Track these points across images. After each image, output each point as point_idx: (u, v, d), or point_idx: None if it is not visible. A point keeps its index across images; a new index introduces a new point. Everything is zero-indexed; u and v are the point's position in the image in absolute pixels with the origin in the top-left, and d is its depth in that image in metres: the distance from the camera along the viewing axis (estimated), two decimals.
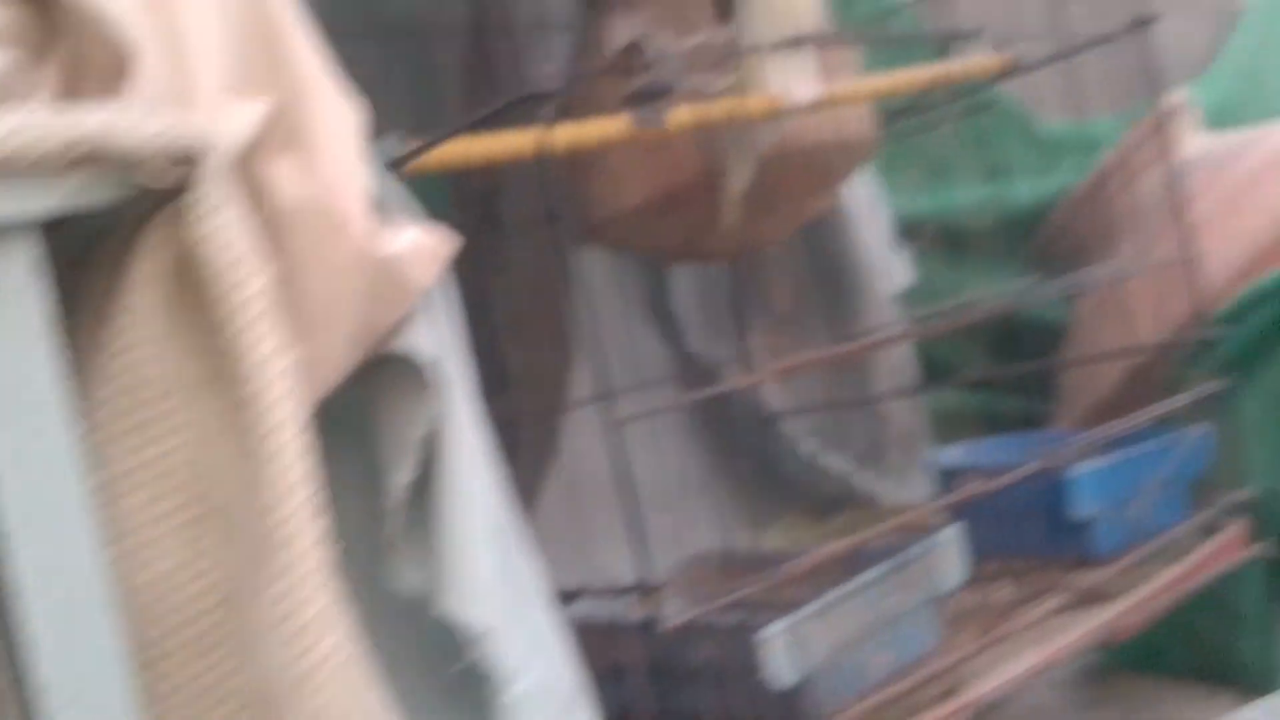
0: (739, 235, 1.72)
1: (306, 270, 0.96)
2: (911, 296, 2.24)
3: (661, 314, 2.26)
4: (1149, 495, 1.55)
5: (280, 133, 0.94)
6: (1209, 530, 1.69)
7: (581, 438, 1.83)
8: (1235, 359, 1.74)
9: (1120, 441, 1.59)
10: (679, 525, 2.04)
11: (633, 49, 1.09)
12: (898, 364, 2.27)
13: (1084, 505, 1.51)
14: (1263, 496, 1.69)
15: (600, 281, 2.14)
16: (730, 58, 1.29)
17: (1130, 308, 1.87)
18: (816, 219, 2.08)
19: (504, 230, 1.75)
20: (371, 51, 1.61)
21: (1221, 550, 1.68)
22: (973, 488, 1.45)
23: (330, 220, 0.95)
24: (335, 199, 0.95)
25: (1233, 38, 2.90)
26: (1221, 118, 2.61)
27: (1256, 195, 2.14)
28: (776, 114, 1.49)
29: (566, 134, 1.19)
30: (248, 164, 0.89)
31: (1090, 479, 1.51)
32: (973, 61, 1.68)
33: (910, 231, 2.28)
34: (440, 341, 1.05)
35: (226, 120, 0.87)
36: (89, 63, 0.83)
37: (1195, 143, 2.35)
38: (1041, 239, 2.37)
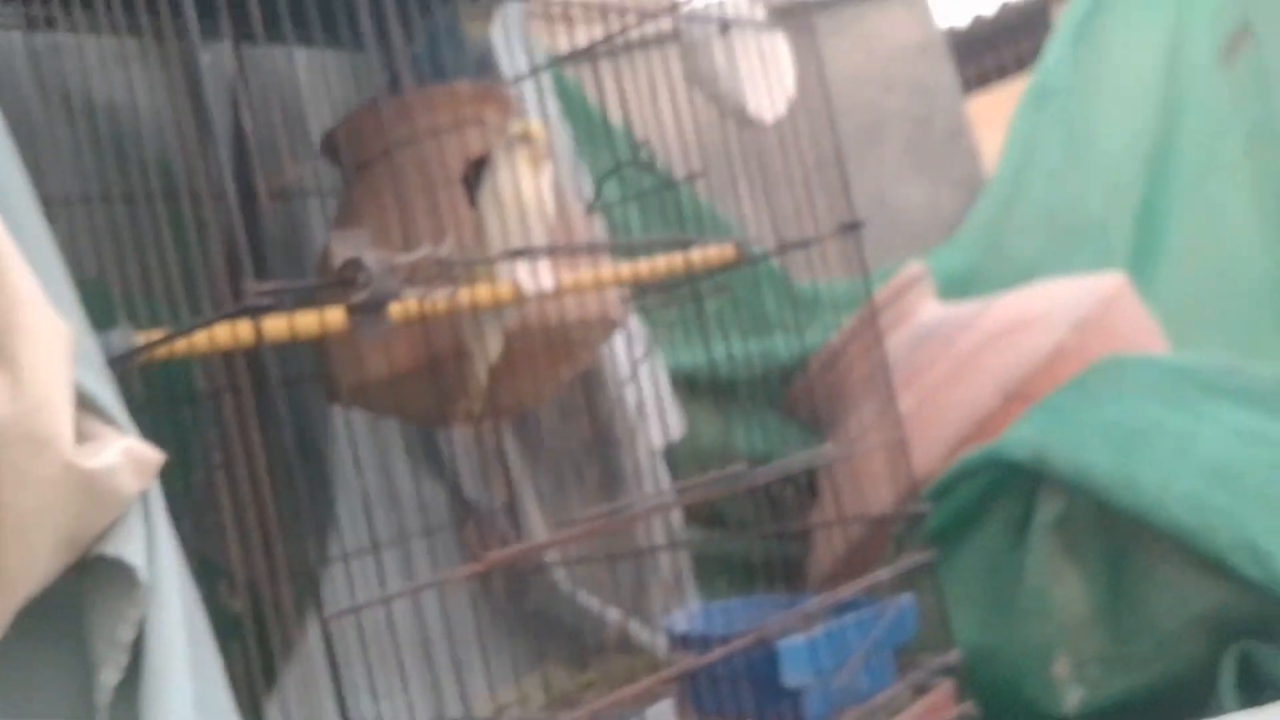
0: (489, 403, 1.80)
1: (9, 485, 1.00)
2: (682, 447, 2.35)
3: (435, 460, 2.32)
4: (857, 662, 1.66)
5: None
6: (919, 691, 1.82)
7: (348, 588, 1.87)
8: (942, 531, 1.88)
9: (834, 609, 1.71)
10: (449, 671, 2.08)
11: (351, 264, 1.17)
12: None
13: (794, 674, 1.61)
14: (967, 659, 1.83)
15: (377, 427, 2.19)
16: (456, 268, 1.38)
17: (858, 477, 2.00)
18: (581, 379, 2.18)
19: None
20: (136, 215, 1.65)
21: (930, 710, 1.80)
22: (687, 662, 1.54)
23: (34, 440, 1.00)
24: (40, 419, 1.00)
25: (976, 207, 3.11)
26: (962, 286, 2.80)
27: (980, 365, 2.27)
28: (511, 303, 1.58)
29: (281, 327, 1.26)
30: None
31: (799, 650, 1.61)
32: (709, 252, 1.81)
33: (679, 385, 2.40)
34: (153, 544, 1.09)
35: None
36: None
37: (932, 311, 2.51)
38: (791, 396, 2.49)
